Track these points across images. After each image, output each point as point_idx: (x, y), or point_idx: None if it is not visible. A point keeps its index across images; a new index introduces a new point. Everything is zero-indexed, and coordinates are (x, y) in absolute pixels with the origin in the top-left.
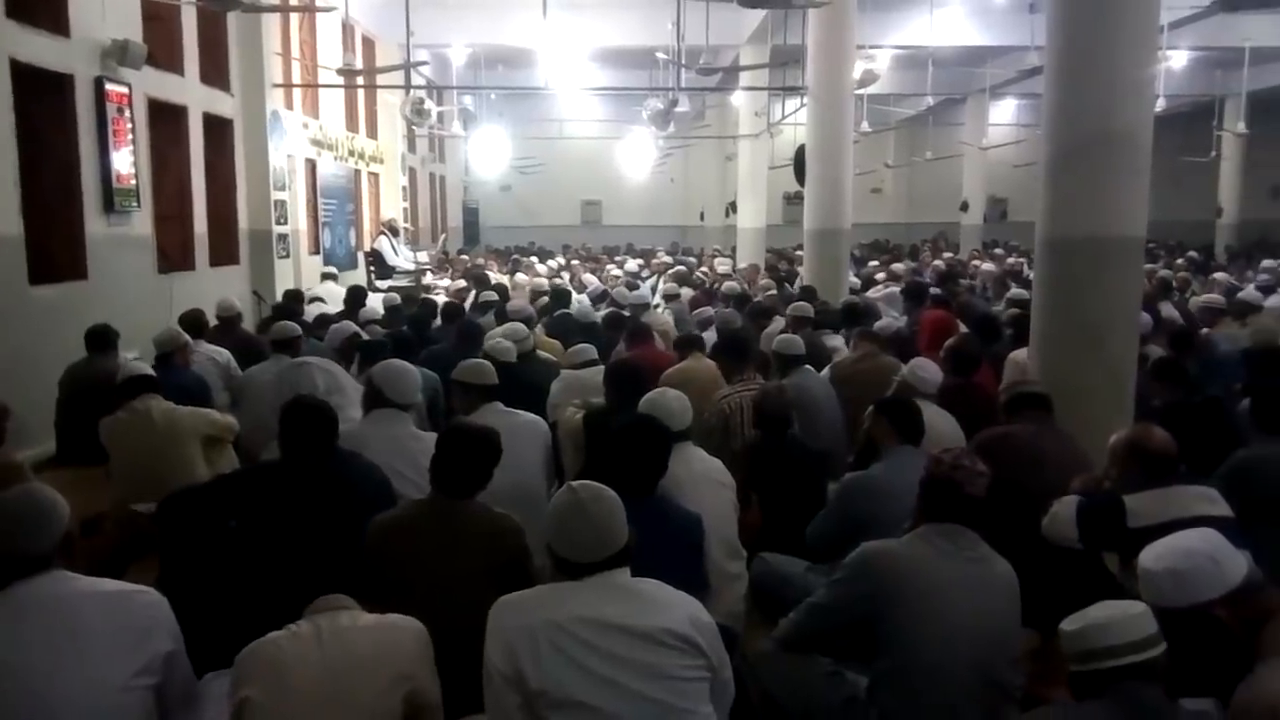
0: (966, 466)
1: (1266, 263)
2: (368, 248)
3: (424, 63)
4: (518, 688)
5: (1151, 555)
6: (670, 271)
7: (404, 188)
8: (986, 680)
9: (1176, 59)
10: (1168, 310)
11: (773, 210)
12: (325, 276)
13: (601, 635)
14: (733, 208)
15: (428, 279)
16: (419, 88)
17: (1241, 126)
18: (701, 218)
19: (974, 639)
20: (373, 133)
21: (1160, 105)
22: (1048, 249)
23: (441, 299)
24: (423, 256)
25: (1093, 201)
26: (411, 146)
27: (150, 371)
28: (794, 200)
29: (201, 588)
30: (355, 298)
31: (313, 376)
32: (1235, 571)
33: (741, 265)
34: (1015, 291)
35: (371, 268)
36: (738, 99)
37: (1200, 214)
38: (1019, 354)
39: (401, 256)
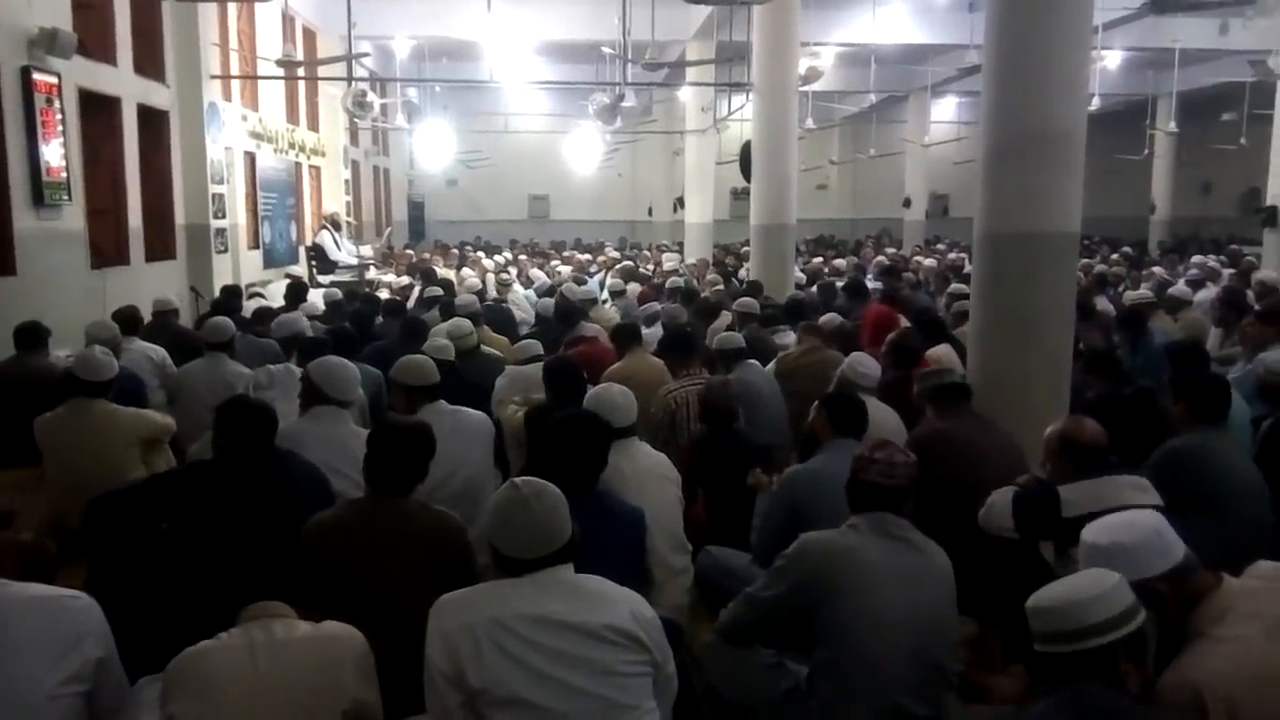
0: (881, 460)
1: (1196, 258)
2: (309, 242)
3: (366, 54)
4: (459, 687)
5: (1096, 530)
6: (617, 267)
7: (346, 181)
8: (924, 667)
9: (1110, 59)
10: (1103, 304)
11: (720, 205)
12: (288, 277)
13: (543, 632)
14: (680, 203)
15: (371, 274)
16: (361, 80)
17: (1172, 125)
18: (649, 213)
19: (910, 627)
20: (314, 125)
21: (1095, 104)
22: (985, 244)
23: (386, 295)
24: (366, 251)
25: (1028, 198)
26: (354, 139)
27: (108, 377)
28: (741, 196)
29: (133, 591)
30: (295, 292)
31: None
32: (1177, 548)
33: (690, 261)
34: (956, 286)
35: (313, 263)
36: (684, 94)
37: (1134, 210)
38: (938, 350)
39: (344, 251)
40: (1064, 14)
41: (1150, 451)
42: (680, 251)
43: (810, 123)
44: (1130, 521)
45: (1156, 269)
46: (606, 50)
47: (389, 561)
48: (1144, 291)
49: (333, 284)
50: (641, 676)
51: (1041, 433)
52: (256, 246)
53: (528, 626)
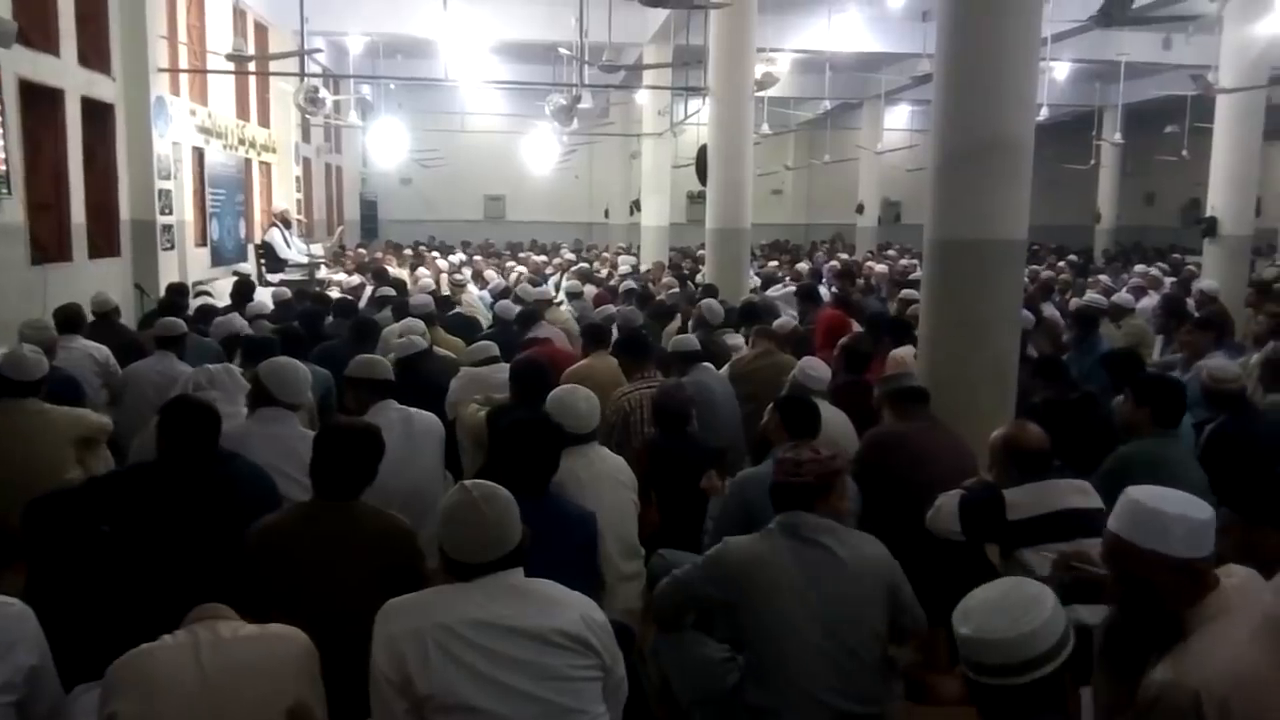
0: (789, 459)
1: (1138, 267)
2: (258, 240)
3: (319, 50)
4: (405, 693)
5: (1159, 498)
6: (574, 269)
7: (298, 178)
8: (845, 664)
9: (1059, 70)
10: (1049, 311)
11: (676, 209)
12: (236, 274)
13: (492, 637)
14: (637, 205)
15: (322, 273)
16: (314, 76)
17: (1118, 136)
18: (606, 215)
19: (824, 628)
20: (265, 121)
21: (1043, 114)
22: (934, 251)
23: (336, 294)
24: (317, 249)
25: (977, 206)
26: (306, 136)
27: (36, 376)
28: (697, 199)
29: (71, 596)
30: (241, 290)
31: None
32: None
33: (646, 264)
34: (907, 291)
35: (262, 261)
36: (642, 97)
37: (1080, 219)
38: (900, 352)
39: (294, 250)
40: (1013, 25)
41: (1093, 455)
42: (636, 254)
43: (766, 128)
44: (1195, 501)
45: (1101, 277)
46: (563, 51)
47: (336, 566)
48: (1095, 296)
49: (282, 283)
50: (591, 680)
51: (988, 436)
52: (204, 244)
53: (476, 631)
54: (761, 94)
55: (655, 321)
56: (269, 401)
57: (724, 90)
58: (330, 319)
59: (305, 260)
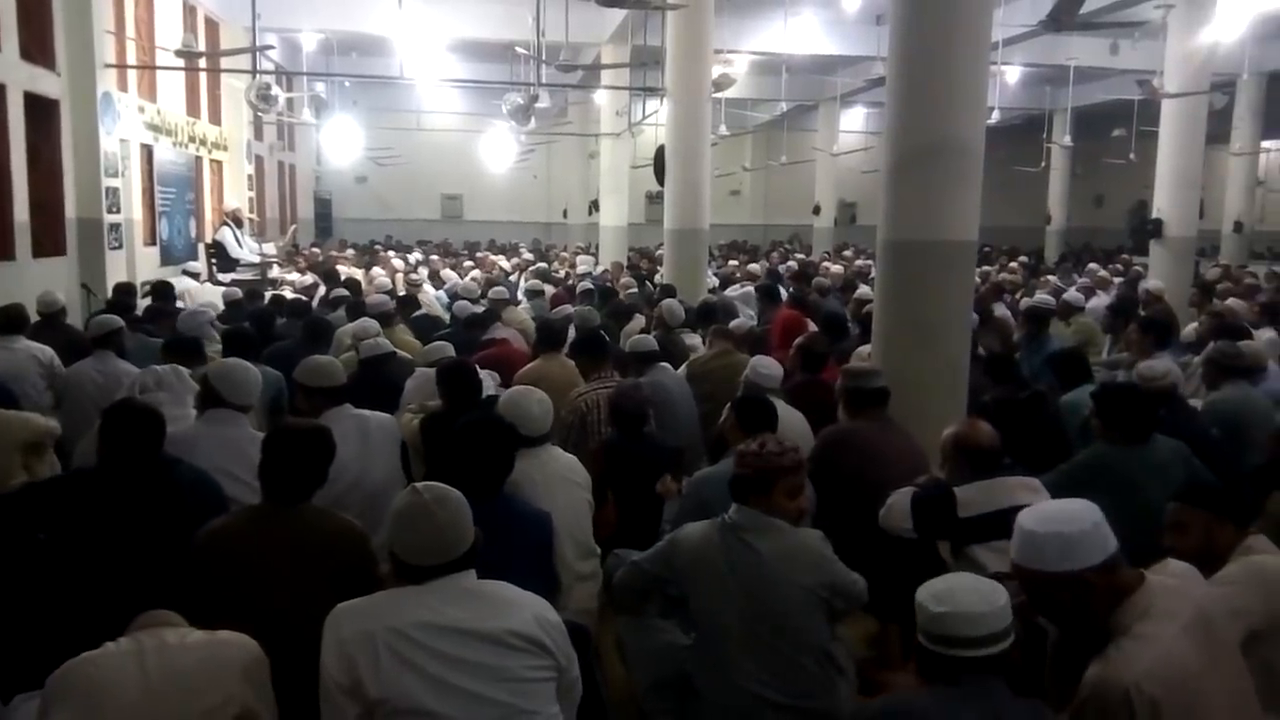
0: (750, 450)
1: (1091, 266)
2: (209, 239)
3: (270, 47)
4: (356, 698)
5: (1035, 518)
6: (532, 268)
7: (250, 176)
8: (774, 656)
9: (1010, 74)
10: (1001, 311)
11: (635, 209)
12: (186, 274)
13: (444, 640)
14: (595, 205)
15: (274, 273)
16: (266, 73)
17: (1067, 139)
18: (565, 215)
19: (748, 619)
20: (216, 118)
21: (994, 118)
22: (887, 251)
23: (289, 294)
24: (269, 249)
25: (928, 207)
26: (258, 134)
27: None
28: (656, 199)
29: (7, 605)
30: (158, 295)
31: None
32: (1112, 540)
33: (605, 264)
34: (862, 291)
35: (213, 260)
36: (600, 97)
37: (1032, 220)
38: (865, 349)
39: (246, 249)
40: (964, 30)
41: (1043, 453)
42: (595, 254)
43: (724, 129)
44: (1070, 513)
45: (1051, 277)
46: (520, 50)
47: (286, 570)
48: (1044, 296)
49: (234, 283)
50: (545, 681)
51: (940, 434)
52: (153, 243)
53: (428, 634)
54: (719, 95)
55: (614, 321)
56: (218, 403)
57: (681, 91)
58: (282, 319)
59: (257, 260)
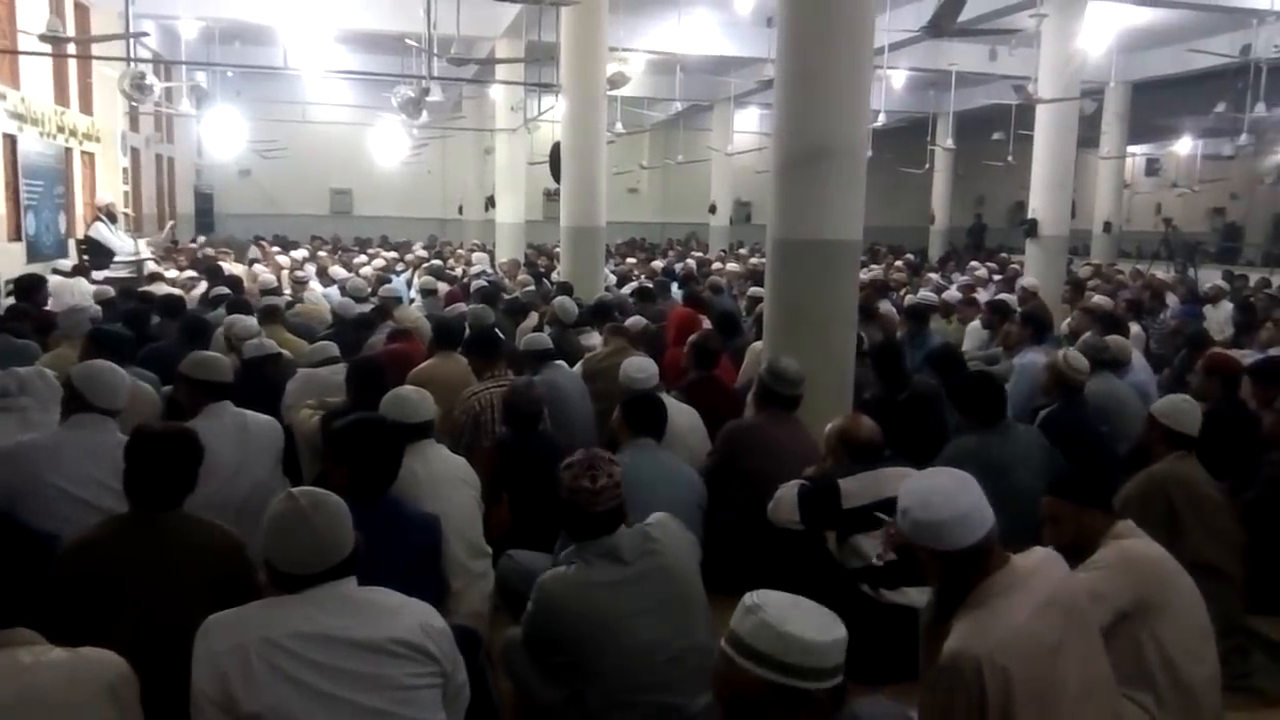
0: (586, 488)
1: (972, 264)
2: (81, 234)
3: (145, 34)
4: (230, 713)
5: (919, 502)
6: (425, 265)
7: (125, 169)
8: (678, 666)
9: (895, 78)
10: (885, 307)
11: (533, 206)
12: (56, 272)
13: (321, 650)
14: (492, 202)
15: (151, 269)
16: (141, 61)
17: (950, 142)
18: (460, 211)
19: (652, 645)
20: (87, 108)
21: (881, 121)
22: (776, 250)
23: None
24: (144, 246)
25: (814, 207)
26: (134, 125)
27: None
28: (554, 197)
29: None
30: (21, 289)
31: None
32: (988, 521)
33: (501, 261)
34: (754, 290)
35: (85, 257)
36: (495, 92)
37: (916, 220)
38: (758, 345)
39: (120, 244)
40: (846, 35)
41: (926, 446)
42: (491, 252)
43: (620, 127)
44: (951, 495)
45: (933, 275)
46: (411, 43)
47: (156, 582)
48: (927, 294)
49: (107, 280)
50: (430, 688)
51: (825, 427)
52: (19, 238)
53: (304, 645)
54: (614, 93)
55: (509, 319)
56: (84, 408)
57: (576, 88)
58: (157, 319)
59: (133, 256)
